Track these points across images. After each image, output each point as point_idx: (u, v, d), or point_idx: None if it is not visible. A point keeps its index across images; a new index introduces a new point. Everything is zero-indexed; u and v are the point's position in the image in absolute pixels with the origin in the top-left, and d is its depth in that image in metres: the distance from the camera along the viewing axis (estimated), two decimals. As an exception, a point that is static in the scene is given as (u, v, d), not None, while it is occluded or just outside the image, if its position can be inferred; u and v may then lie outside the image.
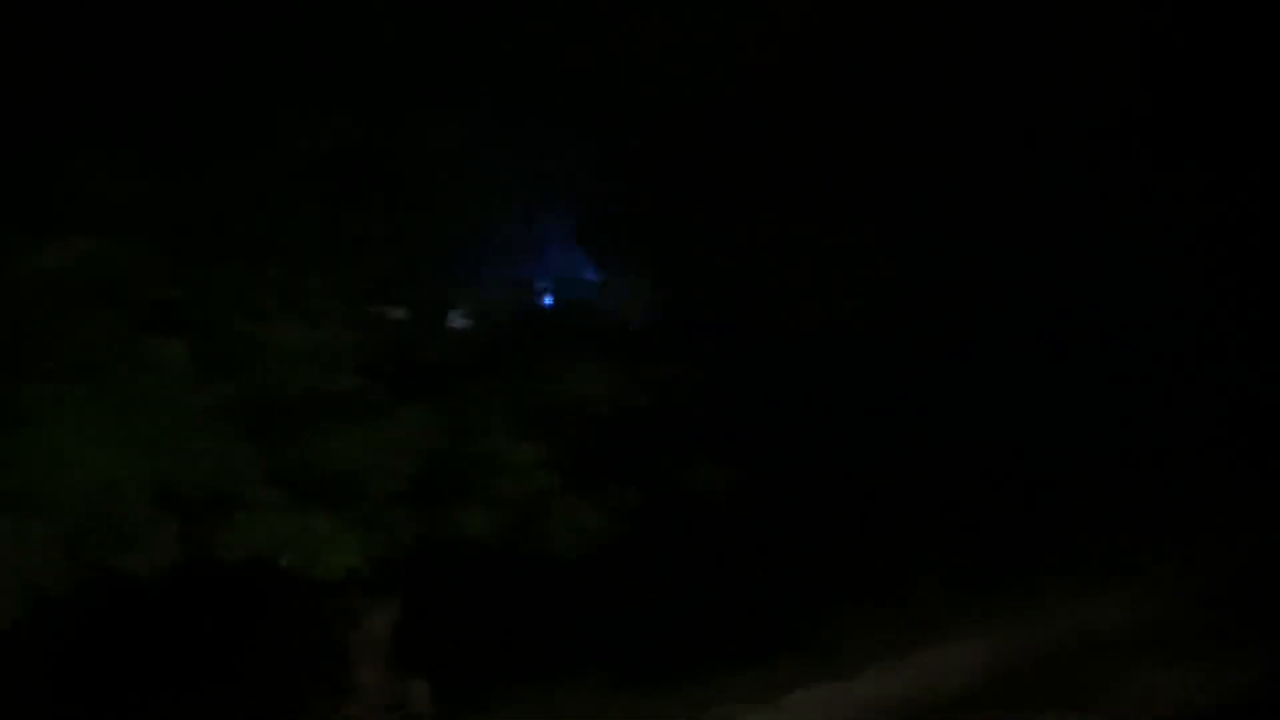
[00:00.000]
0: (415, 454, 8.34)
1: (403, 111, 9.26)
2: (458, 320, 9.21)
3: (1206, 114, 10.37)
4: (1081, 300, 11.40)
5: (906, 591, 10.44)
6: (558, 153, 9.34)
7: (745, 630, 9.77)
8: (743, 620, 9.85)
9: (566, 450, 8.84)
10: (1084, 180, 10.64)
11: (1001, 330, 10.98)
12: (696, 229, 9.65)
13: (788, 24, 9.34)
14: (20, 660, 8.44)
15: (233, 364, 8.33)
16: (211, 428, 8.08)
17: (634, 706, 9.45)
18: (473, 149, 9.14)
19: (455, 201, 9.09)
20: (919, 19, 9.71)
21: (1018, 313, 10.96)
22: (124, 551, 7.93)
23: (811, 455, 10.36)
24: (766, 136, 9.43)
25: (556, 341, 9.26)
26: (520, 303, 9.30)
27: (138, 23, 8.57)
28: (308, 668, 9.25)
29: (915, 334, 10.53)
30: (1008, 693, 9.81)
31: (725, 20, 9.22)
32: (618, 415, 9.05)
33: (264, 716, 8.98)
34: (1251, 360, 12.13)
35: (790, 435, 10.25)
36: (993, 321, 10.89)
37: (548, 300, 9.42)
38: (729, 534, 9.97)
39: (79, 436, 7.96)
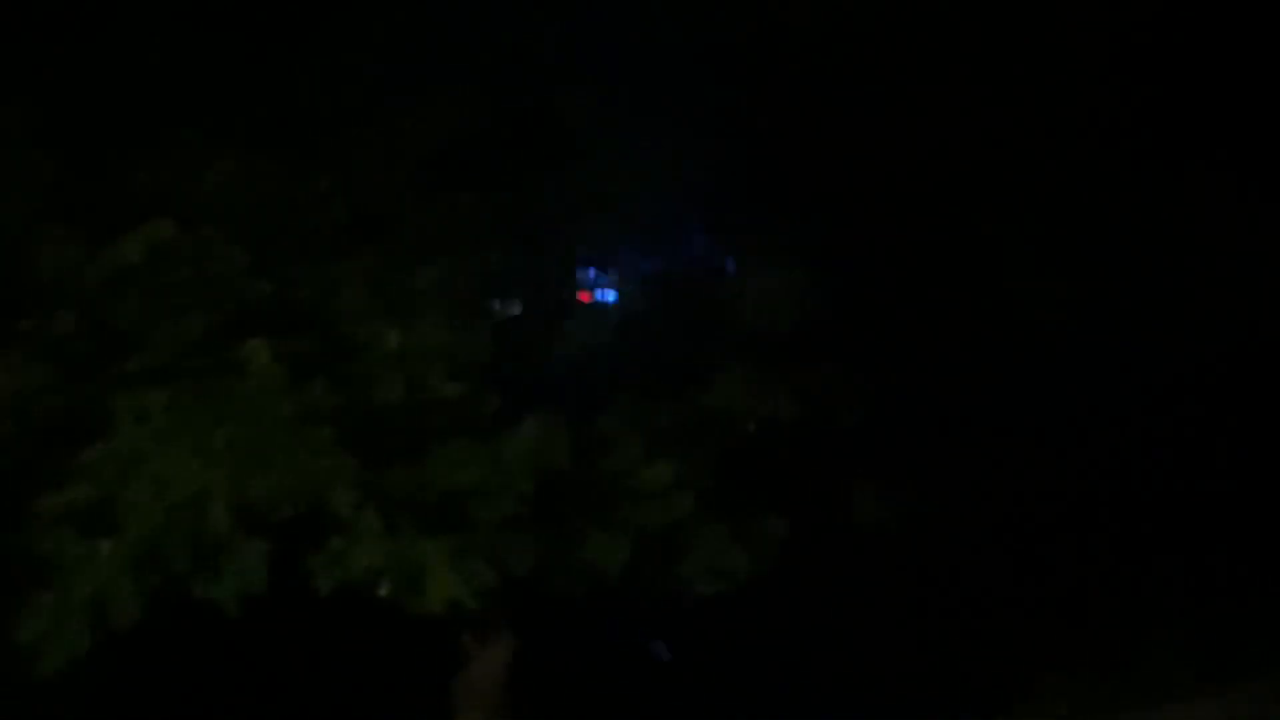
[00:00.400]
0: (534, 472, 7.99)
1: (525, 89, 9.14)
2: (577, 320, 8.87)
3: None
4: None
5: (1119, 645, 9.51)
6: (694, 121, 9.08)
7: (915, 689, 9.02)
8: (913, 677, 9.11)
9: (706, 472, 8.43)
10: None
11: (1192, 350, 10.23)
12: (867, 211, 9.29)
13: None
14: (88, 694, 8.16)
15: (328, 368, 8.11)
16: (304, 439, 7.83)
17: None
18: (601, 123, 8.97)
19: (582, 184, 8.90)
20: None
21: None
22: (205, 576, 7.74)
23: (993, 482, 9.57)
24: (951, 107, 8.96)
25: (695, 344, 8.96)
26: (652, 298, 8.89)
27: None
28: (404, 714, 8.77)
29: (1102, 351, 9.74)
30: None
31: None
32: (765, 432, 8.68)
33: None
34: None
35: (968, 458, 9.49)
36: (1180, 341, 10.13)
37: (607, 296, 9.00)
38: (895, 573, 9.25)
39: (158, 445, 7.82)
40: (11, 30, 8.54)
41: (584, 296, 9.24)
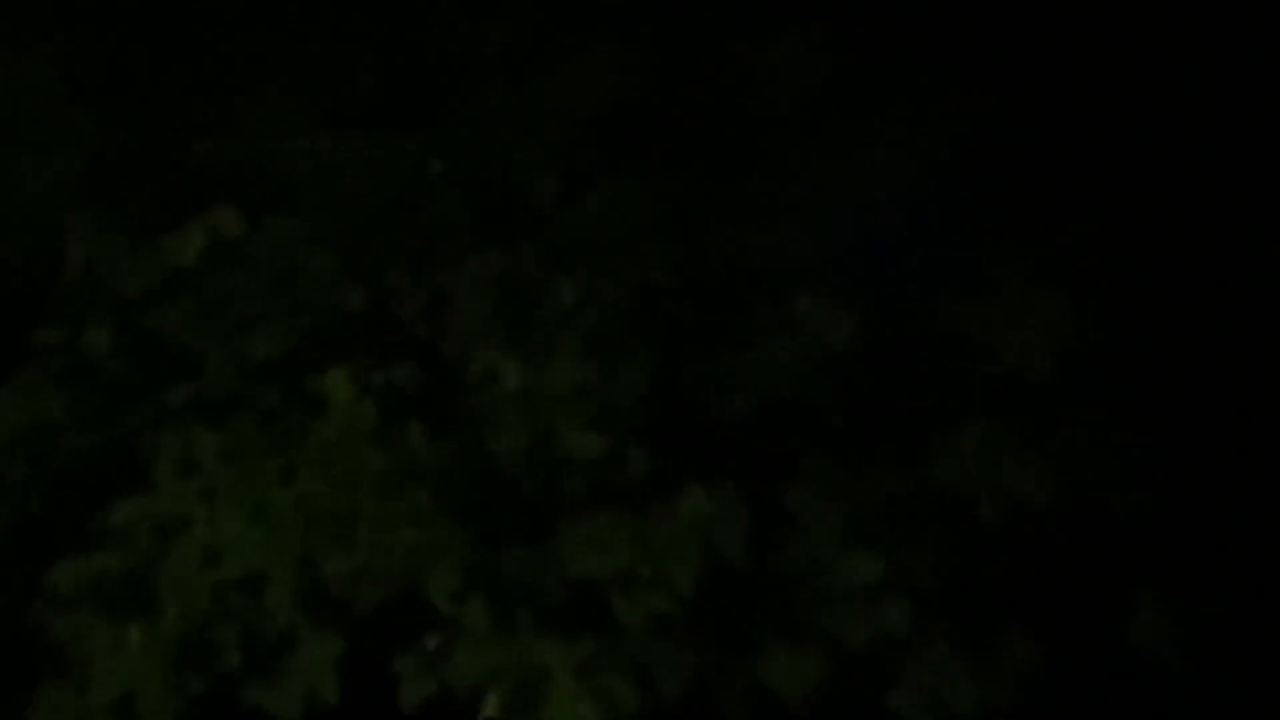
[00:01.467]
0: (697, 560, 7.50)
1: (709, 45, 9.05)
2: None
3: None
4: None
5: None
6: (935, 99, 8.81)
7: None
8: None
9: (927, 569, 7.86)
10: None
11: None
12: (1153, 223, 8.74)
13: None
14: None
15: (431, 408, 7.85)
16: (397, 502, 7.52)
17: None
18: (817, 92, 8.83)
19: (786, 172, 8.68)
20: None
21: None
22: (261, 679, 7.42)
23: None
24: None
25: (918, 391, 8.39)
26: (865, 327, 8.45)
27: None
28: None
29: None
30: None
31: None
32: (1009, 517, 8.05)
33: None
34: None
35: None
36: None
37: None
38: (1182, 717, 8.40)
39: (208, 503, 7.60)
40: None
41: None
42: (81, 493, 7.66)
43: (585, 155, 8.81)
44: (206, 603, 7.38)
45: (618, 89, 8.92)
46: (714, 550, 7.55)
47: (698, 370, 8.39)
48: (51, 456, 7.67)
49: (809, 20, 9.20)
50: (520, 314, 8.13)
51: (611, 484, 7.80)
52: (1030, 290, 8.55)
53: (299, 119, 8.63)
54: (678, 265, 8.51)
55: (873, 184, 8.75)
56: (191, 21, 8.74)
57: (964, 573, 7.95)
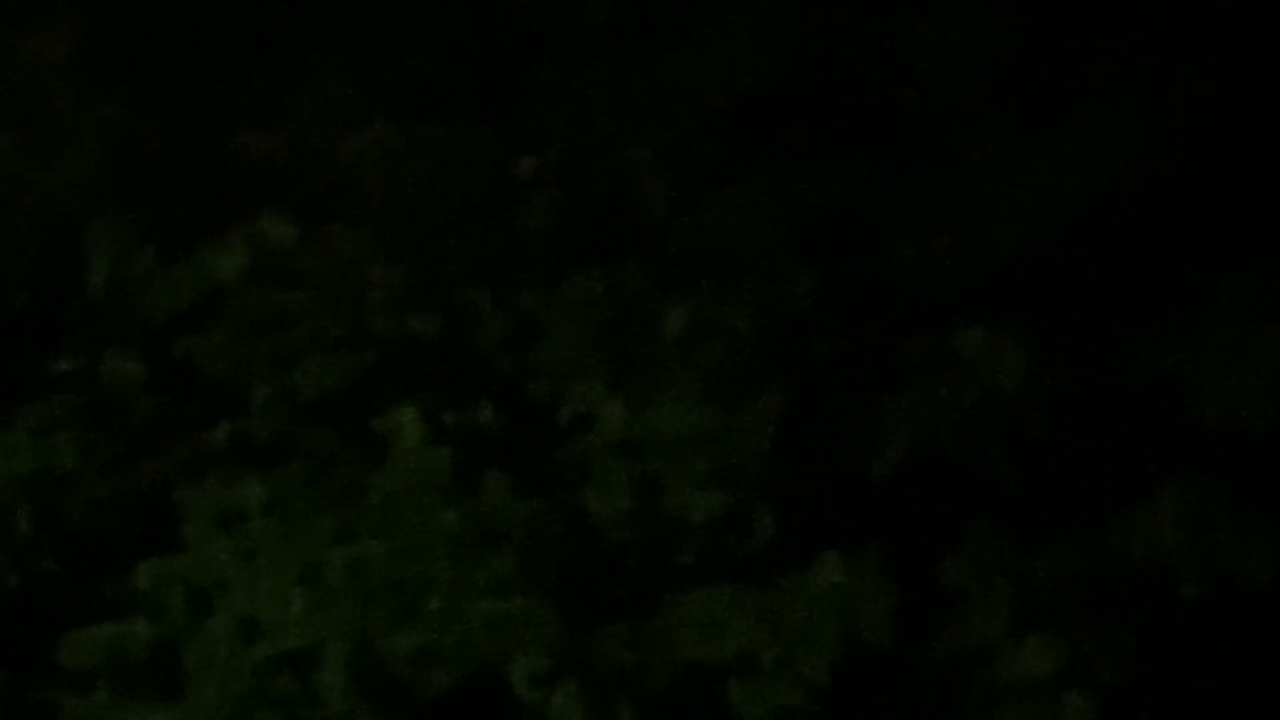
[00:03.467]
0: (831, 644, 7.65)
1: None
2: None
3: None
4: None
5: None
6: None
7: None
8: None
9: (1111, 658, 7.86)
10: None
11: None
12: None
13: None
14: None
15: (514, 455, 8.08)
16: (474, 567, 7.75)
17: None
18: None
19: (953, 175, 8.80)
20: None
21: None
22: None
23: None
24: None
25: (1104, 450, 8.43)
26: (1034, 377, 8.53)
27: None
28: None
29: None
30: None
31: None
32: (1213, 598, 8.04)
33: None
34: None
35: None
36: None
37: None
38: None
39: (248, 565, 7.86)
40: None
41: None
42: (100, 551, 7.96)
43: (706, 153, 9.01)
44: (245, 684, 7.59)
45: (748, 73, 9.10)
46: (854, 632, 7.69)
47: (839, 415, 8.54)
48: (64, 508, 7.98)
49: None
50: (625, 346, 8.36)
51: (731, 551, 7.98)
52: (1248, 325, 8.62)
53: (358, 108, 8.88)
54: (816, 288, 8.67)
55: (1057, 190, 8.83)
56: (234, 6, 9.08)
57: (1160, 664, 8.00)
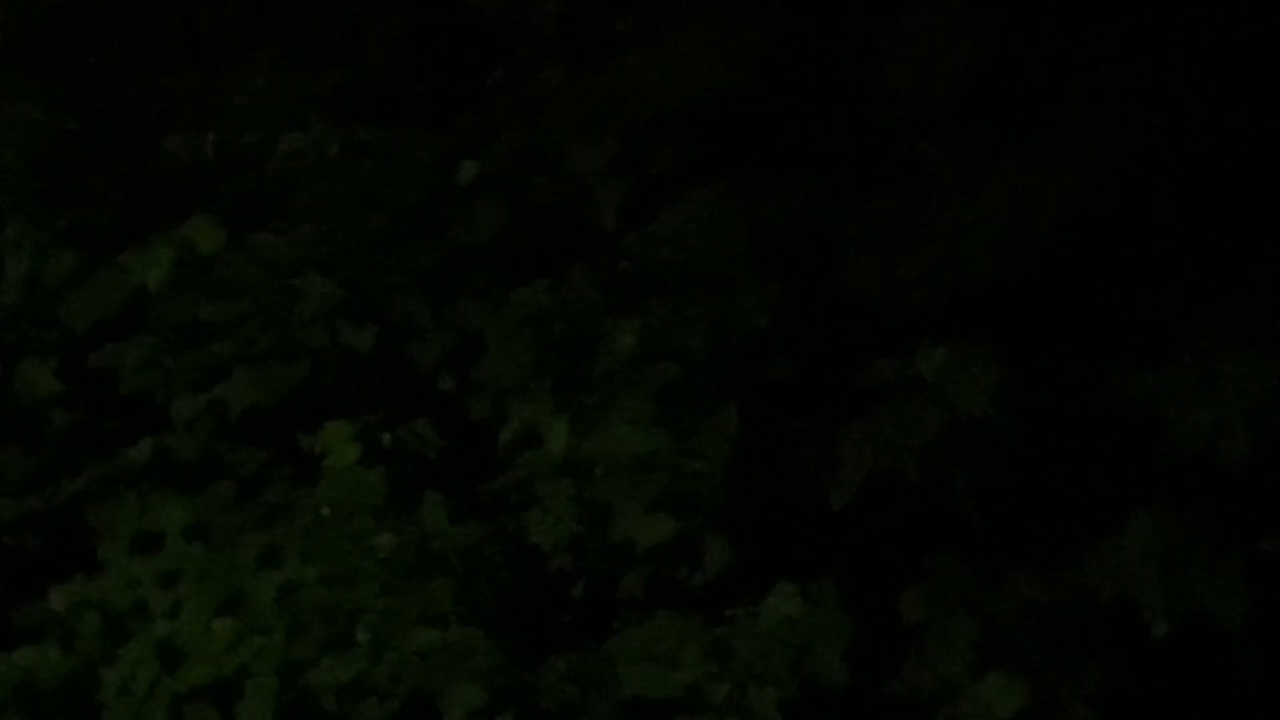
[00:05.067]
0: (784, 681, 7.90)
1: None
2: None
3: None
4: None
5: None
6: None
7: None
8: None
9: (1083, 702, 8.12)
10: None
11: None
12: None
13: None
14: None
15: (455, 476, 8.31)
16: (407, 593, 7.98)
17: None
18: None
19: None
20: None
21: None
22: None
23: None
24: None
25: (1072, 480, 8.68)
26: (1001, 403, 8.72)
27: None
28: None
29: None
30: None
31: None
32: (1193, 640, 8.25)
33: None
34: None
35: None
36: None
37: None
38: None
39: (169, 592, 8.02)
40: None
41: None
42: (10, 574, 8.17)
43: (661, 161, 9.20)
44: (164, 715, 7.78)
45: (706, 77, 9.23)
46: (809, 668, 7.89)
47: (796, 439, 8.71)
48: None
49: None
50: (572, 362, 8.53)
51: (681, 580, 8.17)
52: (1224, 352, 8.68)
53: (293, 108, 9.03)
54: (775, 305, 8.84)
55: (1028, 206, 8.98)
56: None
57: (1128, 706, 8.15)
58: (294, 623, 7.87)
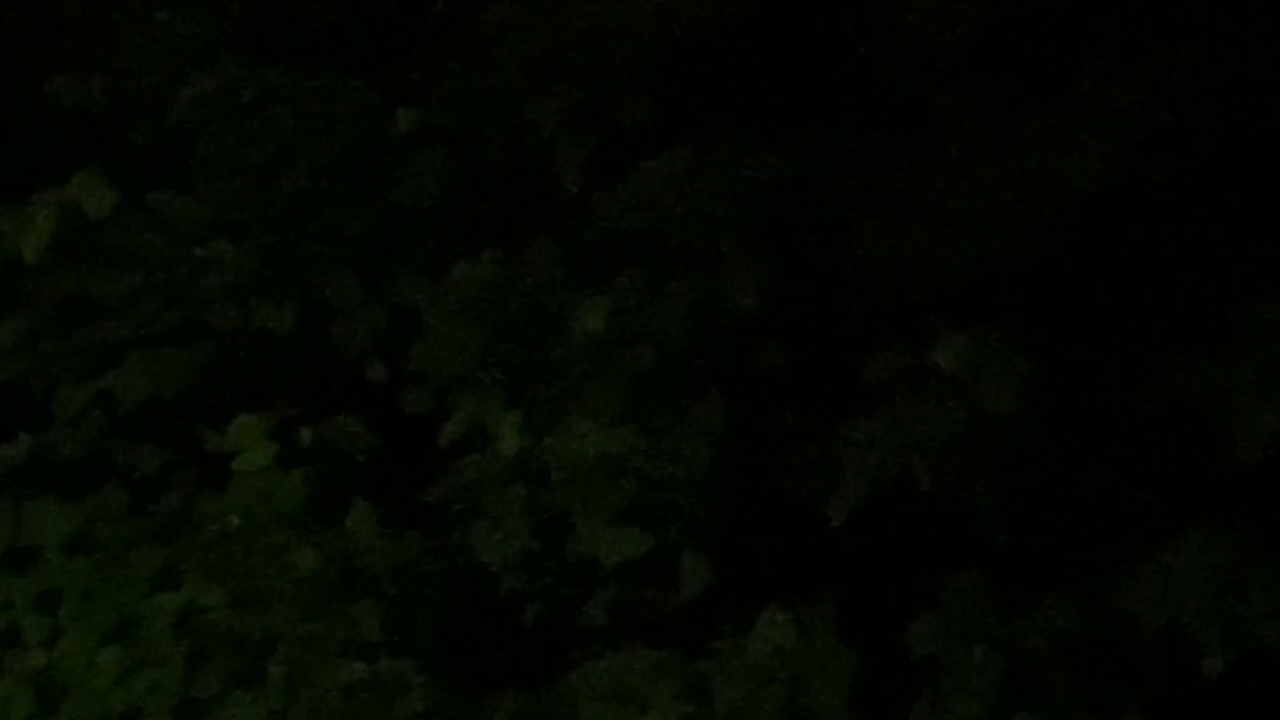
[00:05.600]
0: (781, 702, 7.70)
1: None
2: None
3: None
4: None
5: None
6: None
7: None
8: None
9: None
10: None
11: None
12: None
13: None
14: None
15: (395, 487, 8.15)
16: (333, 622, 7.70)
17: None
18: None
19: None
20: None
21: None
22: None
23: None
24: None
25: (1110, 492, 8.44)
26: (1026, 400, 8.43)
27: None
28: None
29: None
30: None
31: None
32: (1251, 674, 7.99)
33: None
34: None
35: None
36: None
37: None
38: None
39: (50, 617, 7.79)
40: None
41: None
42: None
43: (633, 113, 8.93)
44: None
45: (687, 15, 8.98)
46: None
47: (790, 441, 8.59)
48: None
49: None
50: (526, 348, 8.37)
51: (653, 605, 8.06)
52: None
53: (199, 46, 8.90)
54: (765, 283, 8.68)
55: (1060, 172, 8.72)
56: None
57: None
58: (195, 653, 7.72)
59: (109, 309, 8.40)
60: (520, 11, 9.10)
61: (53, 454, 8.23)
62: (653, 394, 8.24)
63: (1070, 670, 8.14)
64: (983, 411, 8.33)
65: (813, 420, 8.57)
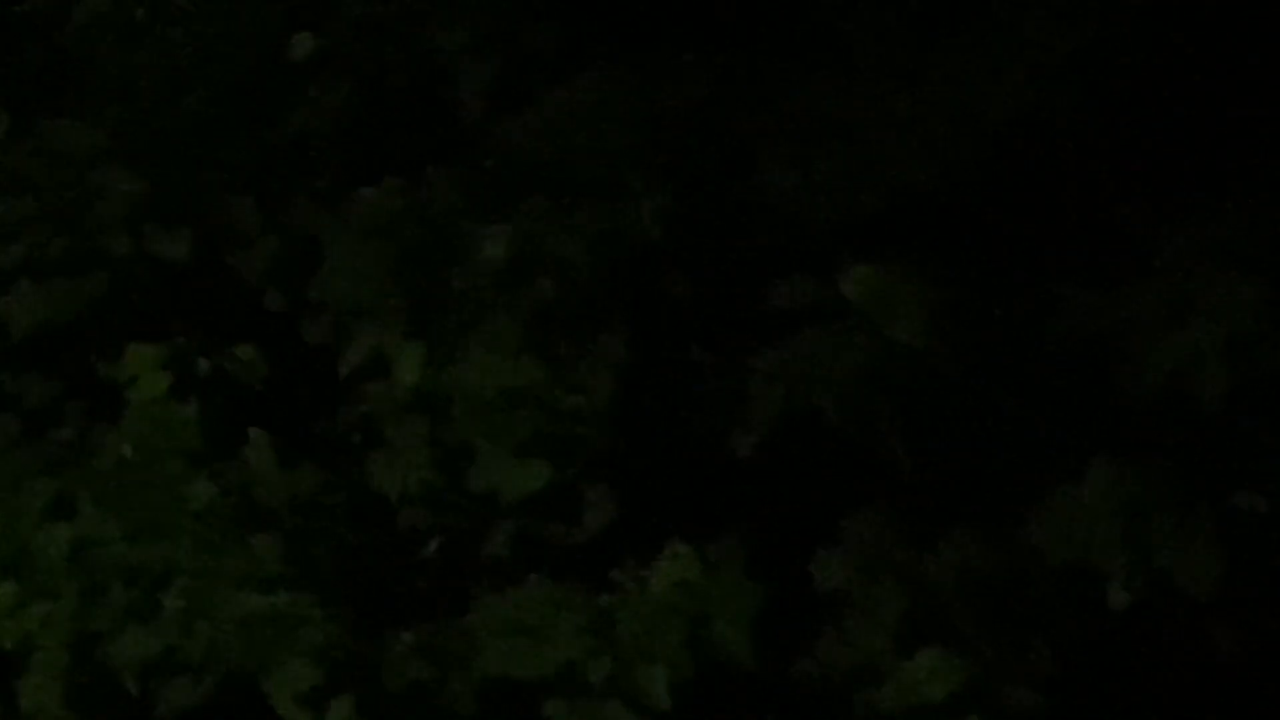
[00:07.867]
0: (678, 658, 7.67)
1: None
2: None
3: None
4: None
5: None
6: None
7: None
8: None
9: (1026, 681, 7.86)
10: None
11: None
12: None
13: None
14: None
15: (293, 418, 8.15)
16: (230, 555, 7.72)
17: None
18: None
19: None
20: None
21: None
22: None
23: None
24: None
25: (1018, 423, 8.49)
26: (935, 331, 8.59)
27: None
28: None
29: None
30: None
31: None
32: (1158, 609, 8.03)
33: None
34: None
35: None
36: None
37: None
38: None
39: None
40: None
41: None
42: None
43: (535, 38, 8.99)
44: None
45: None
46: (706, 644, 7.77)
47: (694, 372, 8.63)
48: None
49: None
50: (427, 277, 8.38)
51: (555, 539, 8.04)
52: (1198, 272, 8.61)
53: None
54: (669, 212, 8.69)
55: (972, 100, 8.86)
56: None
57: (1081, 686, 8.12)
58: (89, 586, 7.71)
59: (1, 235, 8.44)
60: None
61: None
62: (555, 325, 8.27)
63: (977, 604, 8.11)
64: (890, 343, 8.39)
65: (718, 352, 8.61)
